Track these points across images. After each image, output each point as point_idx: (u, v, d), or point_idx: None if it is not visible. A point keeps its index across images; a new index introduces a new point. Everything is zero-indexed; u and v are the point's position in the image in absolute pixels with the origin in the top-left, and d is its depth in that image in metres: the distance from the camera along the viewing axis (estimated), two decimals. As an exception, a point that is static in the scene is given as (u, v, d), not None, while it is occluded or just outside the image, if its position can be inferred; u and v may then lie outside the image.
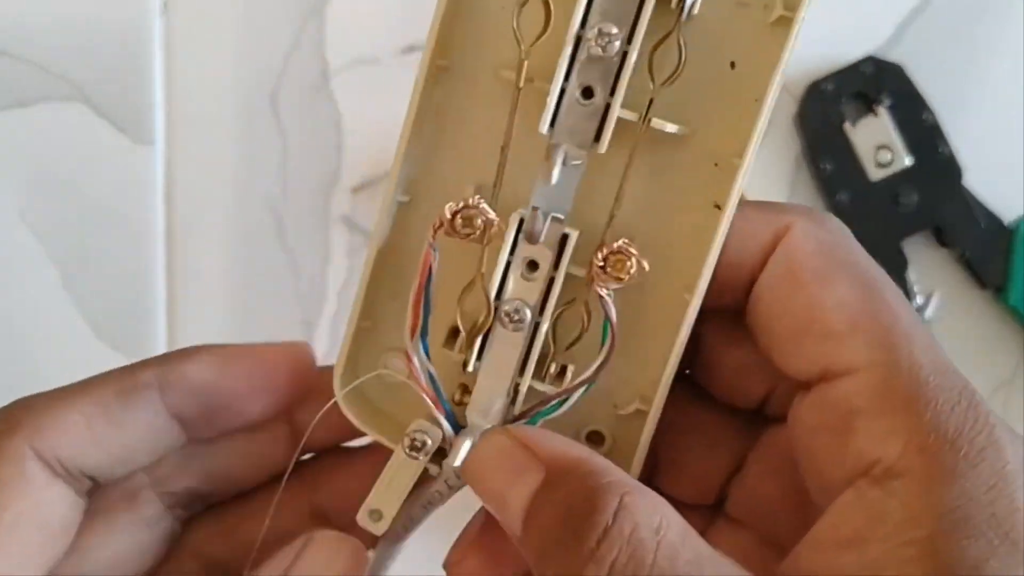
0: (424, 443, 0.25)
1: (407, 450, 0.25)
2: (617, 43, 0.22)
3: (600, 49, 0.22)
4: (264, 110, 0.54)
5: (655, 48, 0.23)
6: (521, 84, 0.23)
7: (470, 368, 0.25)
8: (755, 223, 0.24)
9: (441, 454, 0.25)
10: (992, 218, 0.52)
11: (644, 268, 0.23)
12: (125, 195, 0.54)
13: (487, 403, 0.25)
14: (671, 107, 0.23)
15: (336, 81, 0.54)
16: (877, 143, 0.52)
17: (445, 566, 0.26)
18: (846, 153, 0.52)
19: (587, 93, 0.23)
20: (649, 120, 0.23)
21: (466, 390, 0.26)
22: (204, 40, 0.55)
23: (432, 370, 0.24)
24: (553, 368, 0.25)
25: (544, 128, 0.23)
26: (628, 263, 0.23)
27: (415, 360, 0.24)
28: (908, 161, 0.52)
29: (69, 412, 0.24)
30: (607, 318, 0.23)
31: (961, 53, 0.53)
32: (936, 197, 0.52)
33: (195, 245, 0.54)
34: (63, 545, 0.25)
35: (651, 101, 0.23)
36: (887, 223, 0.53)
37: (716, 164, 0.24)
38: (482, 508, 0.25)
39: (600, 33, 0.22)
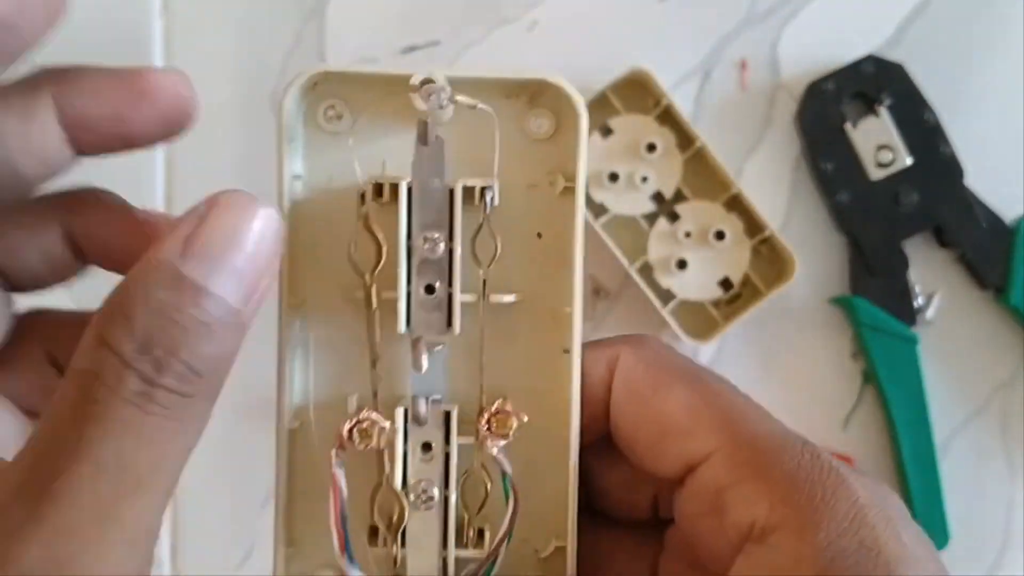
0: None
1: None
2: (442, 244, 0.26)
3: (429, 252, 0.26)
4: (264, 110, 0.54)
5: (474, 238, 0.27)
6: (375, 305, 0.27)
7: (398, 557, 0.27)
8: (590, 361, 0.27)
9: None
10: (993, 218, 0.52)
11: (524, 420, 0.27)
12: (125, 195, 0.54)
13: None
14: (504, 280, 0.28)
15: (336, 81, 0.54)
16: (877, 143, 0.52)
17: None
18: (846, 153, 0.52)
19: (429, 290, 0.26)
20: (487, 297, 0.27)
21: None
22: (204, 40, 0.55)
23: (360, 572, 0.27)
24: (472, 533, 0.28)
25: (401, 329, 0.26)
26: (510, 420, 0.26)
27: (349, 573, 0.26)
28: (908, 161, 0.52)
29: None
30: (504, 474, 0.26)
31: (961, 53, 0.53)
32: (936, 197, 0.52)
33: (195, 245, 0.54)
34: None
35: (484, 282, 0.27)
36: (887, 223, 0.53)
37: (553, 318, 0.28)
38: None
39: (425, 239, 0.26)
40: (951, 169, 0.52)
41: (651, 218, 0.53)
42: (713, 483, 0.24)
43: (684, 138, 0.52)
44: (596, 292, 0.55)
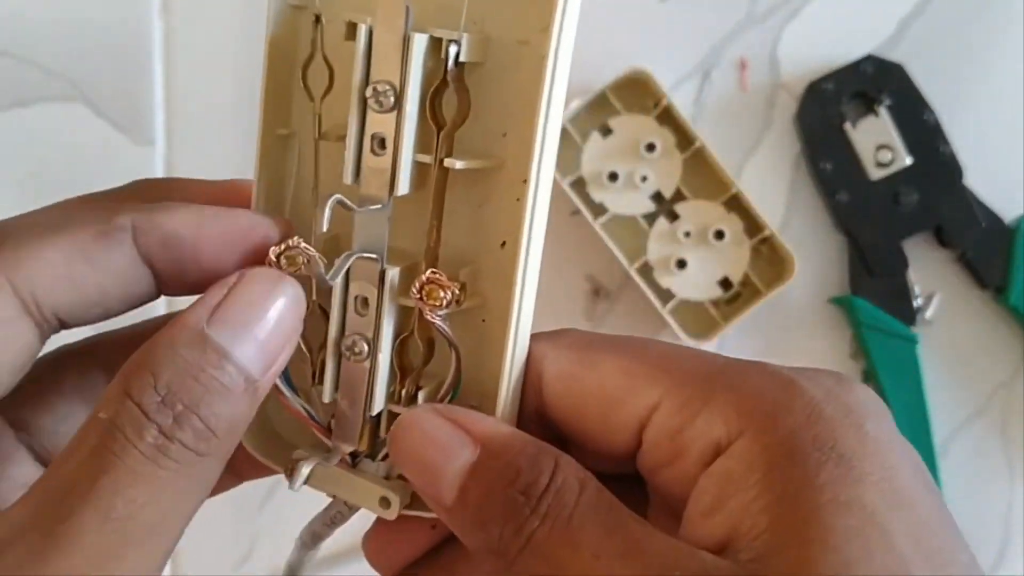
0: (299, 469, 0.27)
1: (286, 476, 0.27)
2: (391, 97, 0.24)
3: (378, 104, 0.24)
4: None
5: (435, 96, 0.25)
6: (316, 136, 0.26)
7: (326, 398, 0.27)
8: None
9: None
10: (992, 218, 0.52)
11: (457, 294, 0.25)
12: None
13: (348, 429, 0.27)
14: (478, 145, 0.26)
15: (336, 81, 0.54)
16: (877, 143, 0.52)
17: (363, 548, 0.28)
18: (846, 153, 0.52)
19: (382, 144, 0.25)
20: (440, 161, 0.25)
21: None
22: (204, 40, 0.55)
23: (303, 403, 0.27)
24: (405, 392, 0.27)
25: (347, 179, 0.25)
26: (440, 292, 0.25)
27: (286, 394, 0.26)
28: (908, 161, 0.52)
29: (48, 249, 0.24)
30: (446, 337, 0.26)
31: (961, 53, 0.53)
32: (936, 197, 0.52)
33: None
34: (7, 386, 0.25)
35: (437, 143, 0.25)
36: (887, 223, 0.53)
37: (525, 180, 0.26)
38: None
39: (375, 91, 0.24)
40: (951, 169, 0.52)
41: (651, 218, 0.53)
42: (667, 429, 0.24)
43: (684, 138, 0.52)
44: (596, 292, 0.55)
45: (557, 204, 0.52)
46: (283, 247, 0.25)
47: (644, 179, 0.52)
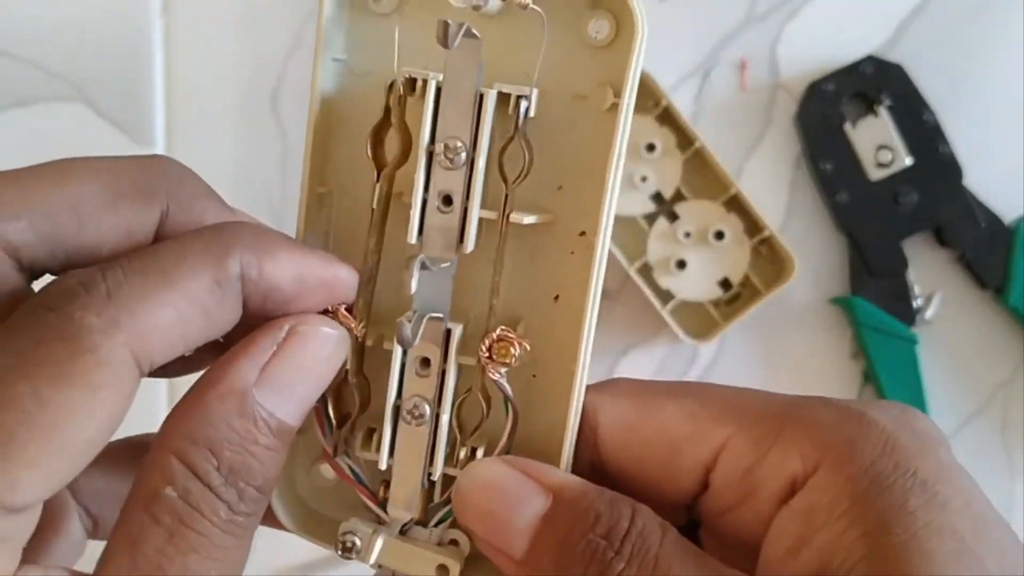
0: (354, 544, 0.26)
1: (340, 552, 0.26)
2: (464, 154, 0.24)
3: (448, 161, 0.24)
4: (264, 110, 0.54)
5: (502, 151, 0.25)
6: (374, 205, 0.25)
7: (382, 466, 0.26)
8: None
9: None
10: (992, 218, 0.52)
11: (527, 349, 0.25)
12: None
13: (405, 496, 0.26)
14: (535, 197, 0.26)
15: (336, 81, 0.54)
16: (877, 143, 0.52)
17: None
18: (846, 153, 0.52)
19: (447, 201, 0.24)
20: (508, 216, 0.25)
21: (388, 486, 0.27)
22: (204, 40, 0.55)
23: (355, 466, 0.26)
24: (463, 454, 0.26)
25: (412, 239, 0.25)
26: (512, 349, 0.25)
27: (336, 459, 0.26)
28: (908, 161, 0.52)
29: (166, 310, 0.22)
30: (505, 396, 0.25)
31: (961, 53, 0.53)
32: (936, 197, 0.52)
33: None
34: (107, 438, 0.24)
35: (506, 199, 0.25)
36: (887, 223, 0.53)
37: (578, 244, 0.26)
38: None
39: (447, 147, 0.24)
40: (950, 169, 0.52)
41: (651, 218, 0.53)
42: (738, 468, 0.23)
43: (684, 138, 0.52)
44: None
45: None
46: (322, 311, 0.25)
47: (644, 179, 0.52)
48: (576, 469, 0.26)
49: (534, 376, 0.26)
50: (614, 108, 0.25)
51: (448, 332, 0.25)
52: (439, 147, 0.24)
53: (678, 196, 0.52)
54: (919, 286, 0.53)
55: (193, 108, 0.55)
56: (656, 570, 0.22)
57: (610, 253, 0.52)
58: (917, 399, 0.53)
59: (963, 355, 0.54)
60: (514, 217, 0.25)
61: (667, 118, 0.52)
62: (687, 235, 0.52)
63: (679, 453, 0.24)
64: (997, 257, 0.52)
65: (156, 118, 0.55)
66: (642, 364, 0.55)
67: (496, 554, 0.24)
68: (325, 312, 0.25)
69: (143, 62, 0.55)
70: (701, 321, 0.53)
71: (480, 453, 0.26)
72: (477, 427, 0.26)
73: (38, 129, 0.55)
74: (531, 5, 0.24)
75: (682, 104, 0.53)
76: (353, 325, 0.25)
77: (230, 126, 0.55)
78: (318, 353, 0.24)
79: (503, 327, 0.25)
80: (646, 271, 0.52)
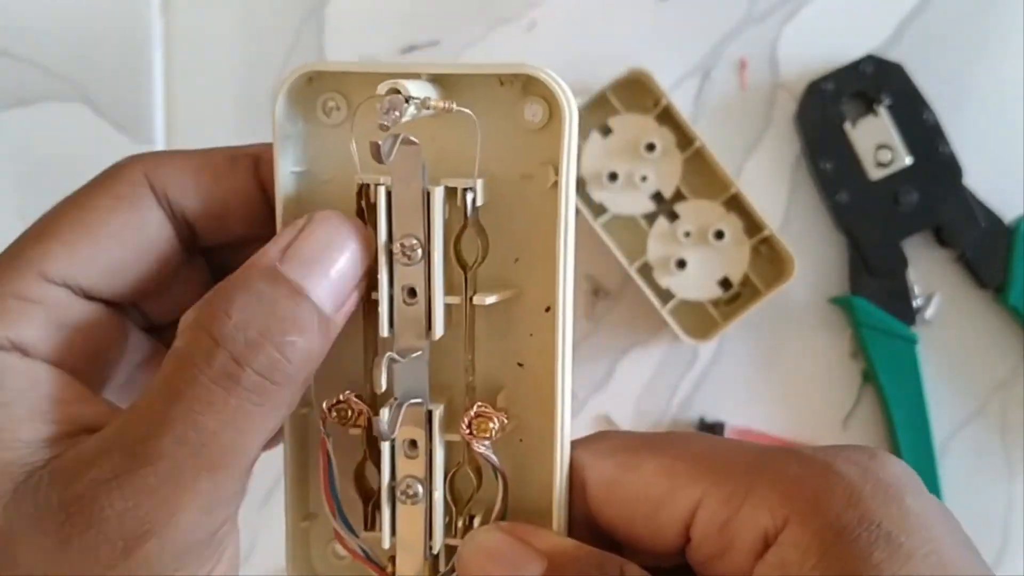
0: None
1: None
2: (419, 250, 0.26)
3: (407, 258, 0.26)
4: (264, 110, 0.54)
5: (457, 240, 0.27)
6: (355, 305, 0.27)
7: (385, 545, 0.27)
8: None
9: None
10: (992, 218, 0.52)
11: (504, 422, 0.26)
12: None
13: (411, 571, 0.28)
14: (497, 276, 0.27)
15: (336, 81, 0.54)
16: (877, 142, 0.52)
17: None
18: (846, 153, 0.53)
19: (412, 293, 0.26)
20: (470, 300, 0.27)
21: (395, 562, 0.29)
22: (204, 40, 0.55)
23: (363, 545, 0.28)
24: (461, 523, 0.28)
25: (383, 332, 0.26)
26: (490, 424, 0.26)
27: (347, 539, 0.27)
28: (908, 160, 0.52)
29: (181, 158, 0.27)
30: (492, 466, 0.27)
31: (961, 53, 0.53)
32: (936, 197, 0.52)
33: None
34: (156, 272, 0.27)
35: (466, 284, 0.27)
36: (887, 223, 0.53)
37: (543, 314, 0.27)
38: None
39: (403, 246, 0.26)
40: (950, 169, 0.52)
41: (651, 218, 0.53)
42: (713, 524, 0.24)
43: (683, 138, 0.52)
44: (596, 292, 0.55)
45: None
46: (333, 400, 0.27)
47: (644, 179, 0.52)
48: (573, 523, 0.27)
49: (521, 440, 0.28)
50: (556, 185, 0.27)
51: (430, 413, 0.27)
52: (396, 246, 0.26)
53: (678, 196, 0.52)
54: (919, 286, 0.53)
55: (193, 108, 0.55)
56: None
57: (610, 252, 0.52)
58: (917, 399, 0.53)
59: (963, 355, 0.54)
60: (476, 299, 0.27)
61: (667, 118, 0.52)
62: (687, 235, 0.52)
63: (659, 509, 0.25)
64: (997, 257, 0.52)
65: (156, 118, 0.55)
66: (642, 364, 0.55)
67: None
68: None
69: (143, 62, 0.55)
70: (701, 321, 0.53)
71: (477, 521, 0.27)
72: (471, 497, 0.28)
73: (38, 129, 0.55)
74: (455, 108, 0.25)
75: (682, 104, 0.53)
76: (359, 410, 0.27)
77: (230, 126, 0.55)
78: (340, 234, 0.25)
79: (480, 404, 0.26)
80: (646, 270, 0.52)
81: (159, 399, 0.23)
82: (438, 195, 0.26)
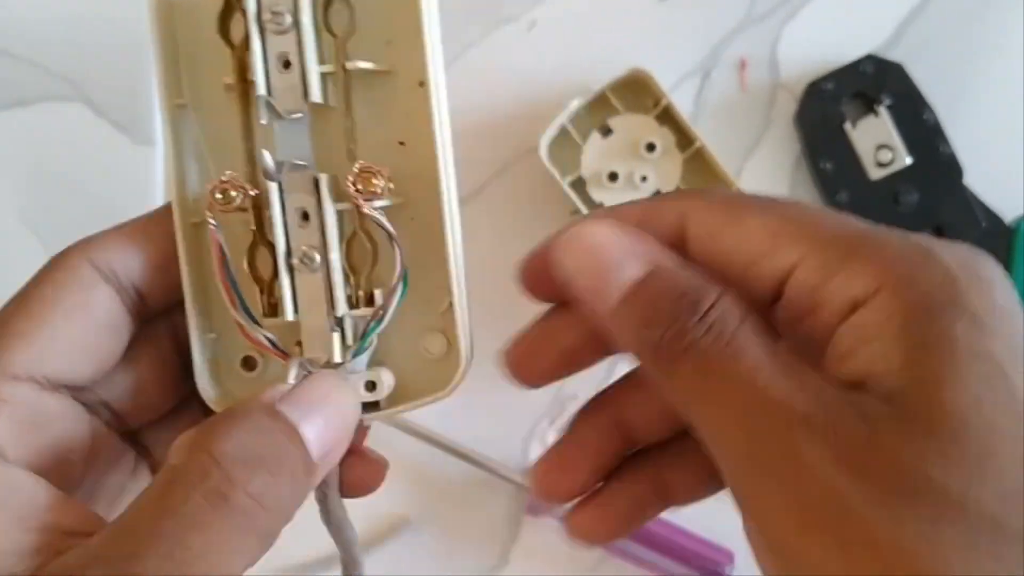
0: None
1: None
2: (287, 15, 0.27)
3: (277, 25, 0.27)
4: (264, 110, 0.54)
5: (326, 9, 0.28)
6: (231, 82, 0.28)
7: (289, 317, 0.28)
8: (660, 212, 0.27)
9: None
10: (992, 218, 0.52)
11: (391, 186, 0.27)
12: (125, 195, 0.54)
13: (317, 343, 0.28)
14: (372, 50, 0.28)
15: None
16: (877, 142, 0.52)
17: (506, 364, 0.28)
18: (846, 152, 0.52)
19: (286, 64, 0.27)
20: (344, 66, 0.28)
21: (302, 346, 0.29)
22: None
23: (267, 333, 0.28)
24: (361, 294, 0.28)
25: (260, 91, 0.27)
26: (375, 179, 0.27)
27: (250, 330, 0.28)
28: (908, 160, 0.52)
29: (116, 232, 0.28)
30: (385, 230, 0.27)
31: (961, 53, 0.53)
32: (936, 196, 0.52)
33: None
34: (113, 347, 0.28)
35: (338, 51, 0.28)
36: (887, 222, 0.52)
37: (421, 83, 0.28)
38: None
39: (272, 13, 0.27)
40: (951, 169, 0.52)
41: (651, 218, 0.53)
42: (807, 284, 0.25)
43: (684, 138, 0.52)
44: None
45: (557, 204, 0.52)
46: (216, 182, 0.27)
47: (644, 179, 0.52)
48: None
49: (412, 219, 0.28)
50: None
51: (316, 181, 0.27)
52: (266, 14, 0.27)
53: (678, 196, 0.52)
54: (919, 286, 0.53)
55: (193, 108, 0.55)
56: (730, 346, 0.23)
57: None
58: (917, 399, 0.53)
59: (963, 355, 0.54)
60: (349, 65, 0.27)
61: (667, 118, 0.52)
62: (687, 235, 0.52)
63: (757, 264, 0.25)
64: (997, 257, 0.52)
65: (156, 118, 0.55)
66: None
67: (590, 299, 0.25)
68: None
69: (143, 62, 0.55)
70: (701, 321, 0.53)
71: (378, 295, 0.28)
72: (371, 270, 0.28)
73: (38, 129, 0.55)
74: None
75: (682, 104, 0.53)
76: (241, 186, 0.27)
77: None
78: (335, 389, 0.26)
79: (361, 162, 0.27)
80: (646, 271, 0.52)
81: (148, 513, 0.23)
82: None
